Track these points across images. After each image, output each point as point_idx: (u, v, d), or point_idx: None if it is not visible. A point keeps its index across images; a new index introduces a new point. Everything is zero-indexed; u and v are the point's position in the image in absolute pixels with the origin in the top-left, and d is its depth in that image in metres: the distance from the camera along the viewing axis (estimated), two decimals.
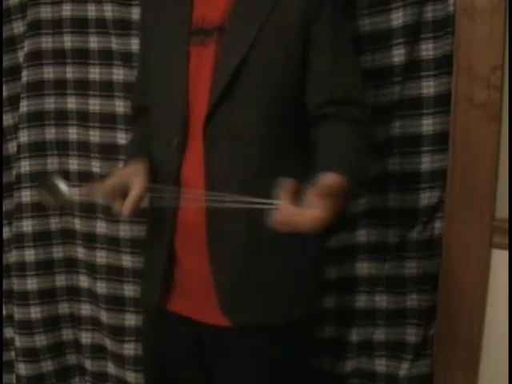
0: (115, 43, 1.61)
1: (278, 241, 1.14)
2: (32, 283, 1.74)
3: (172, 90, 1.19)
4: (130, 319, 1.72)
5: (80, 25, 1.63)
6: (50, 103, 1.70)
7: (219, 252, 1.17)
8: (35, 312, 1.76)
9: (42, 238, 1.75)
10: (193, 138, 1.17)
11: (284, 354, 1.22)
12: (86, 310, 1.79)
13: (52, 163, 1.73)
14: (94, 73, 1.64)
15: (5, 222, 1.81)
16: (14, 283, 1.76)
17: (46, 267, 1.76)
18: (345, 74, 1.18)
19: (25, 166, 1.71)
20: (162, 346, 1.29)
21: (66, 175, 1.72)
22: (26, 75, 1.68)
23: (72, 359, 1.84)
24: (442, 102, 1.43)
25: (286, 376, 1.24)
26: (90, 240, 1.73)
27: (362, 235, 1.55)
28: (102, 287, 1.72)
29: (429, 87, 1.43)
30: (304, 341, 1.28)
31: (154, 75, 1.25)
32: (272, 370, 1.21)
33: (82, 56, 1.64)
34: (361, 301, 1.57)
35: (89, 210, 1.71)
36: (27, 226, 1.73)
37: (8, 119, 1.77)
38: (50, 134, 1.71)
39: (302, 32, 1.14)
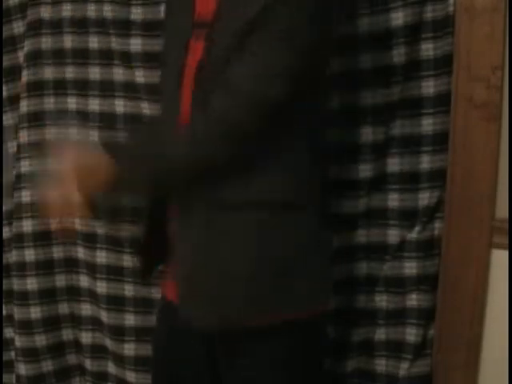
0: (115, 43, 1.60)
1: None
2: (32, 283, 1.74)
3: (170, 86, 1.18)
4: (130, 319, 1.72)
5: (80, 25, 1.63)
6: (49, 103, 1.69)
7: (182, 244, 1.16)
8: (35, 312, 1.75)
9: (42, 238, 1.74)
10: None
11: (295, 354, 1.19)
12: (86, 309, 1.79)
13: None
14: (94, 73, 1.64)
15: (5, 222, 1.80)
16: (14, 283, 1.76)
17: (46, 267, 1.76)
18: (243, 64, 1.06)
19: (25, 165, 1.71)
20: (171, 346, 1.28)
21: None
22: (26, 75, 1.68)
23: (72, 359, 1.84)
24: (442, 102, 1.43)
25: (296, 378, 1.22)
26: (90, 240, 1.73)
27: (362, 235, 1.55)
28: (102, 287, 1.72)
29: (429, 87, 1.43)
30: (315, 341, 1.25)
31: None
32: (283, 371, 1.19)
33: (82, 56, 1.64)
34: (361, 301, 1.57)
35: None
36: (27, 225, 1.73)
37: (8, 119, 1.77)
38: (50, 134, 1.71)
39: None
